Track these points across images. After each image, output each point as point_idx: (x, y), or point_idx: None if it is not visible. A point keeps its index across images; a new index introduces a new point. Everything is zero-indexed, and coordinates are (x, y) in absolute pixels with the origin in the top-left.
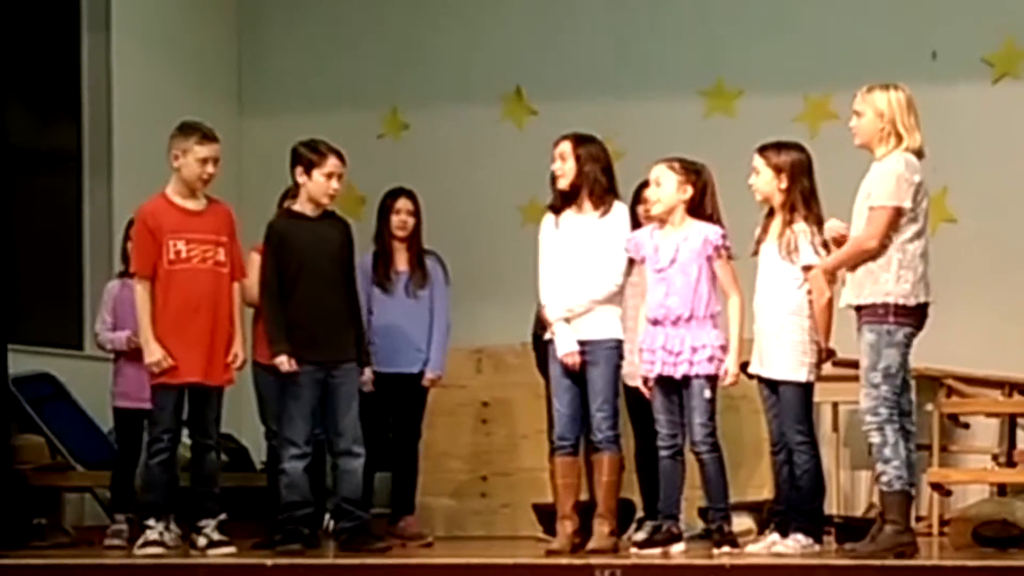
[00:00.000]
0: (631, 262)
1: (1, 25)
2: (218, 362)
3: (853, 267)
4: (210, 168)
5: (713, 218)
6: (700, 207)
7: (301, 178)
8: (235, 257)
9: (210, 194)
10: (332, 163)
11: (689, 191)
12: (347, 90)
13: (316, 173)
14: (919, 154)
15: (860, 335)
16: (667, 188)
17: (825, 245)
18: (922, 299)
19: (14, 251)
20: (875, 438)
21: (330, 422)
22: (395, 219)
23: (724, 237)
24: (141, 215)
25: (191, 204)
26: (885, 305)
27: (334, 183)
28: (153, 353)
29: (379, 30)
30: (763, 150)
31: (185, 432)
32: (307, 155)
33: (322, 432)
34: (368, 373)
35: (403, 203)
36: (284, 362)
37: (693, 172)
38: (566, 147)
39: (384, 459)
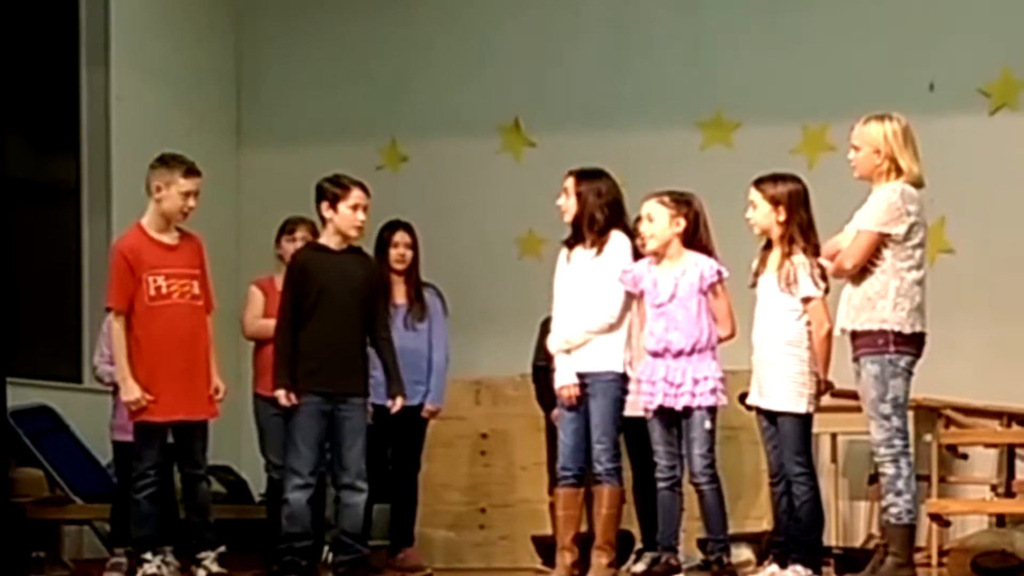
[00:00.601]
0: (631, 295)
1: (1, 58)
2: (201, 396)
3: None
4: (191, 202)
5: (708, 248)
6: (695, 237)
7: (327, 212)
8: (206, 289)
9: (186, 227)
10: (356, 195)
11: (682, 223)
12: (346, 122)
13: (342, 206)
14: (918, 184)
15: (860, 365)
16: (659, 223)
17: (824, 277)
18: (918, 328)
19: (13, 284)
20: (889, 469)
21: (335, 455)
22: (393, 252)
23: (719, 273)
24: (120, 249)
25: (167, 238)
26: (884, 333)
27: (360, 215)
28: (131, 391)
29: (377, 62)
30: (759, 183)
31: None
32: (331, 189)
33: (324, 464)
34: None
35: (400, 236)
36: (282, 396)
37: (684, 204)
38: (569, 183)
39: (383, 491)
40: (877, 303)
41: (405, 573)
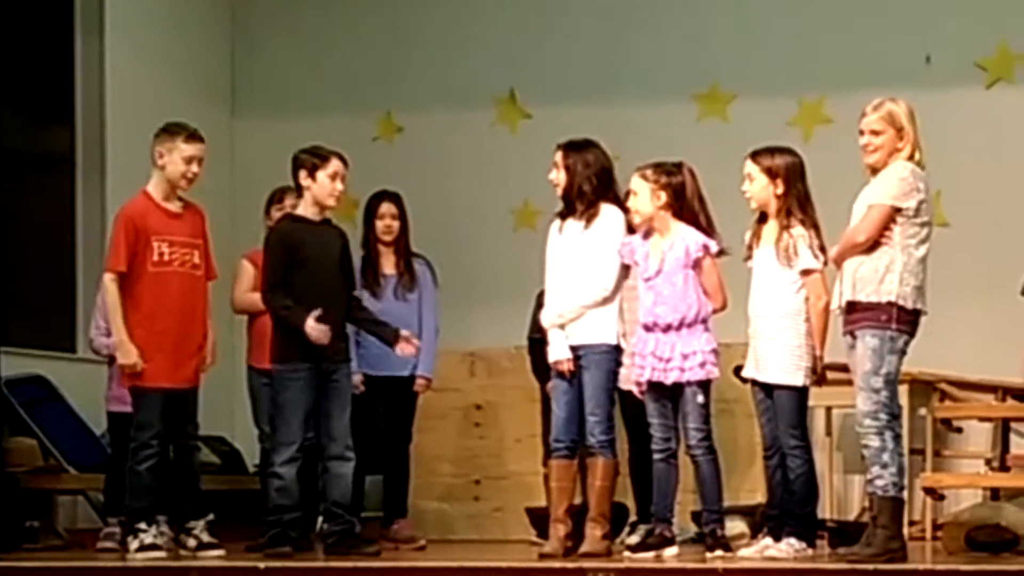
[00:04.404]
0: (627, 267)
1: None
2: (195, 364)
3: (841, 262)
4: (195, 167)
5: (699, 219)
6: (683, 208)
7: (305, 181)
8: (208, 258)
9: (187, 197)
10: (335, 164)
11: (663, 197)
12: (341, 94)
13: (320, 175)
14: (922, 167)
15: (857, 338)
16: (641, 199)
17: (823, 248)
18: (918, 305)
19: (8, 253)
20: (874, 442)
21: (323, 425)
22: (379, 224)
23: (706, 247)
24: (128, 213)
25: (172, 206)
26: (888, 307)
27: (338, 184)
28: (129, 354)
29: (373, 33)
30: (755, 156)
31: None
32: (310, 159)
33: (313, 435)
34: (358, 376)
35: (386, 207)
36: (314, 326)
37: (665, 175)
38: (558, 156)
39: (376, 462)
40: (885, 276)
41: (398, 544)
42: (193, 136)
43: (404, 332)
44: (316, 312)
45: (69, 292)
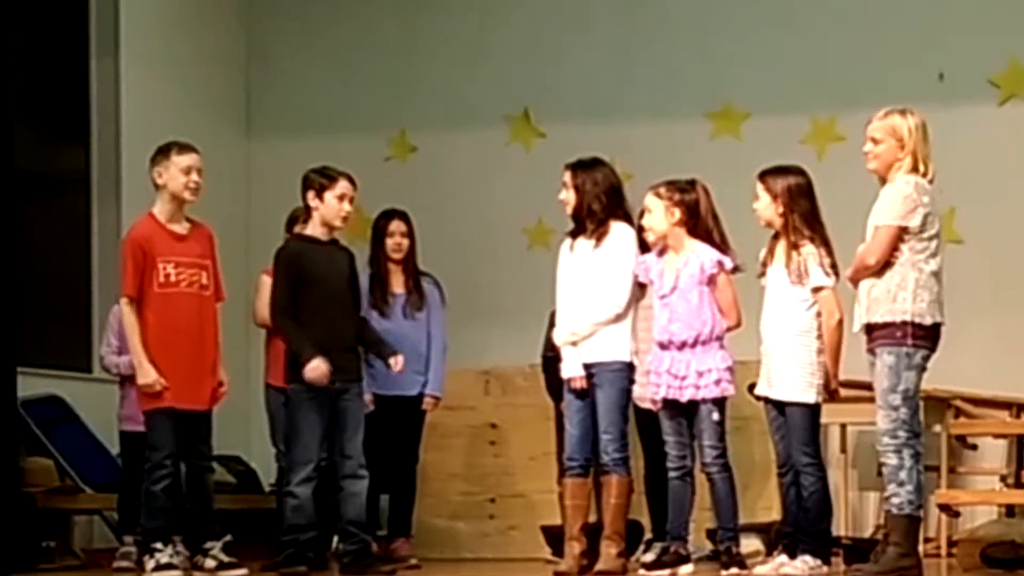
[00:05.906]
0: (642, 285)
1: (10, 49)
2: (207, 385)
3: (856, 283)
4: (195, 176)
5: (713, 236)
6: (697, 225)
7: (313, 202)
8: (217, 279)
9: (198, 217)
10: (343, 185)
11: (677, 214)
12: (355, 113)
13: (328, 195)
14: (931, 180)
15: (876, 356)
16: (656, 216)
17: (834, 266)
18: (937, 319)
19: (23, 274)
20: (891, 460)
21: (337, 444)
22: (389, 242)
23: (720, 264)
24: (135, 237)
25: (177, 227)
26: (903, 325)
27: (346, 205)
28: (148, 374)
29: (387, 53)
30: (762, 176)
31: None
32: (318, 179)
33: (327, 455)
34: (367, 395)
35: (396, 225)
36: (314, 367)
37: (679, 192)
38: (567, 176)
39: (386, 481)
40: (898, 295)
41: (396, 564)
42: (184, 147)
43: (399, 360)
44: (321, 362)
45: (84, 312)
